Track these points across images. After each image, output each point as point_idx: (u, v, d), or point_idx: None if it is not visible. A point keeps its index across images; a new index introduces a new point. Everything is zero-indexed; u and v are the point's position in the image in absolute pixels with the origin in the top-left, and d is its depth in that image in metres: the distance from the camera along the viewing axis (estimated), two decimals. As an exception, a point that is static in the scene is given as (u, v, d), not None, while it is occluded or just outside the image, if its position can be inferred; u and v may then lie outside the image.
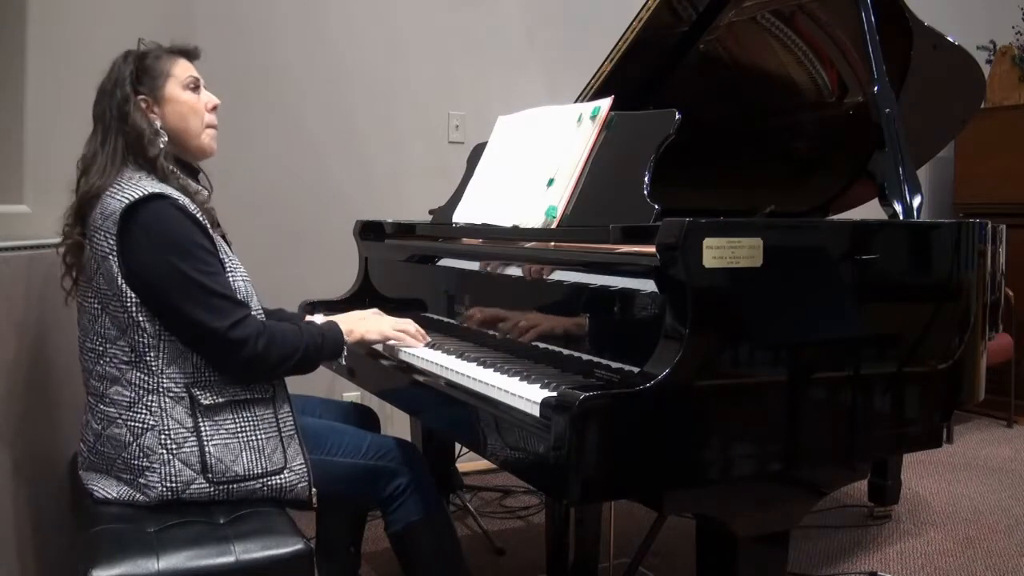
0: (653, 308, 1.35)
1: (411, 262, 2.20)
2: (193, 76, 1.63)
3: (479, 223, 1.95)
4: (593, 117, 1.77)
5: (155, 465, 1.45)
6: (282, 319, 1.81)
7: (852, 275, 1.47)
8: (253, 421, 1.52)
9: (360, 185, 3.15)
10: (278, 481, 1.52)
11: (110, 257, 1.45)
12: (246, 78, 2.89)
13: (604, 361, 1.46)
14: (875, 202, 1.90)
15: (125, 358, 1.47)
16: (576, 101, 2.09)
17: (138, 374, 1.47)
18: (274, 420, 1.55)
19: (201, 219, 1.51)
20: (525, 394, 1.35)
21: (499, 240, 1.87)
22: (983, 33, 4.40)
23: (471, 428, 1.50)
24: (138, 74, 1.56)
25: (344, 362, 1.68)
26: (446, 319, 1.98)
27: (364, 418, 2.02)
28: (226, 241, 1.64)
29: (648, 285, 1.36)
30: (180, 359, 1.48)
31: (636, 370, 1.30)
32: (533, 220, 1.77)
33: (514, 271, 1.74)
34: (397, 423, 2.71)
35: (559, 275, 1.60)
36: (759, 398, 1.36)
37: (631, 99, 1.95)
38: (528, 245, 1.76)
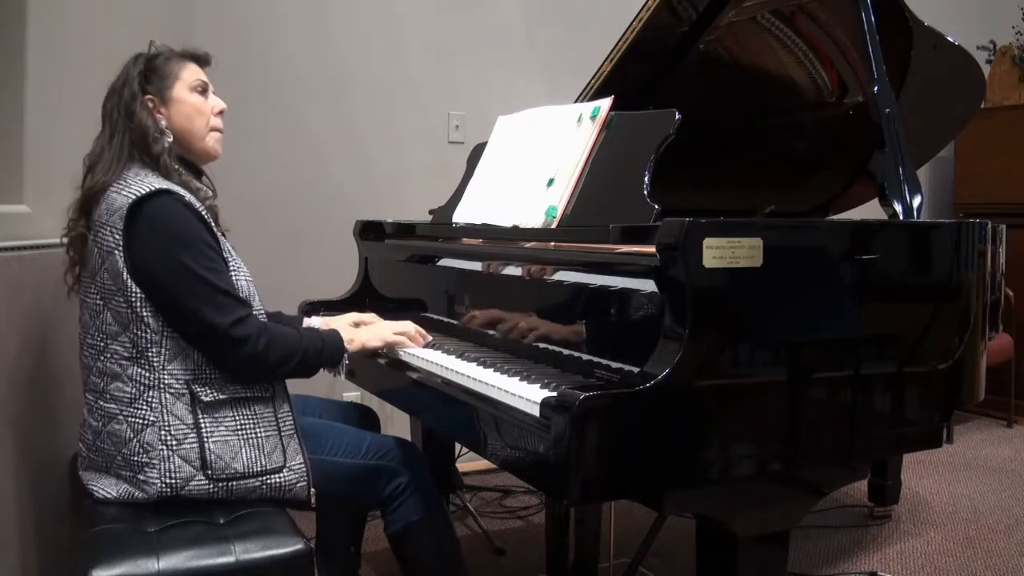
0: (653, 308, 1.35)
1: (411, 262, 2.20)
2: (201, 80, 1.63)
3: (479, 223, 1.95)
4: (593, 117, 1.76)
5: (155, 461, 1.45)
6: (280, 322, 1.81)
7: (852, 275, 1.47)
8: (253, 419, 1.53)
9: (360, 185, 3.15)
10: (277, 480, 1.52)
11: (116, 252, 1.45)
12: (246, 78, 2.89)
13: (604, 361, 1.46)
14: (875, 202, 1.90)
15: (126, 354, 1.47)
16: (576, 101, 2.09)
17: (139, 370, 1.47)
18: (274, 419, 1.55)
19: (206, 216, 1.52)
20: (525, 394, 1.35)
21: (499, 240, 1.87)
22: (983, 33, 4.39)
23: (471, 428, 1.50)
24: (147, 74, 1.58)
25: (343, 372, 1.68)
26: (446, 319, 1.98)
27: (364, 418, 2.02)
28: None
29: (648, 285, 1.36)
30: (182, 355, 1.48)
31: (636, 370, 1.30)
32: (533, 220, 1.77)
33: (514, 271, 1.73)
34: (397, 423, 2.71)
35: (559, 275, 1.59)
36: (759, 398, 1.36)
37: (631, 99, 1.95)
38: (528, 245, 1.76)
